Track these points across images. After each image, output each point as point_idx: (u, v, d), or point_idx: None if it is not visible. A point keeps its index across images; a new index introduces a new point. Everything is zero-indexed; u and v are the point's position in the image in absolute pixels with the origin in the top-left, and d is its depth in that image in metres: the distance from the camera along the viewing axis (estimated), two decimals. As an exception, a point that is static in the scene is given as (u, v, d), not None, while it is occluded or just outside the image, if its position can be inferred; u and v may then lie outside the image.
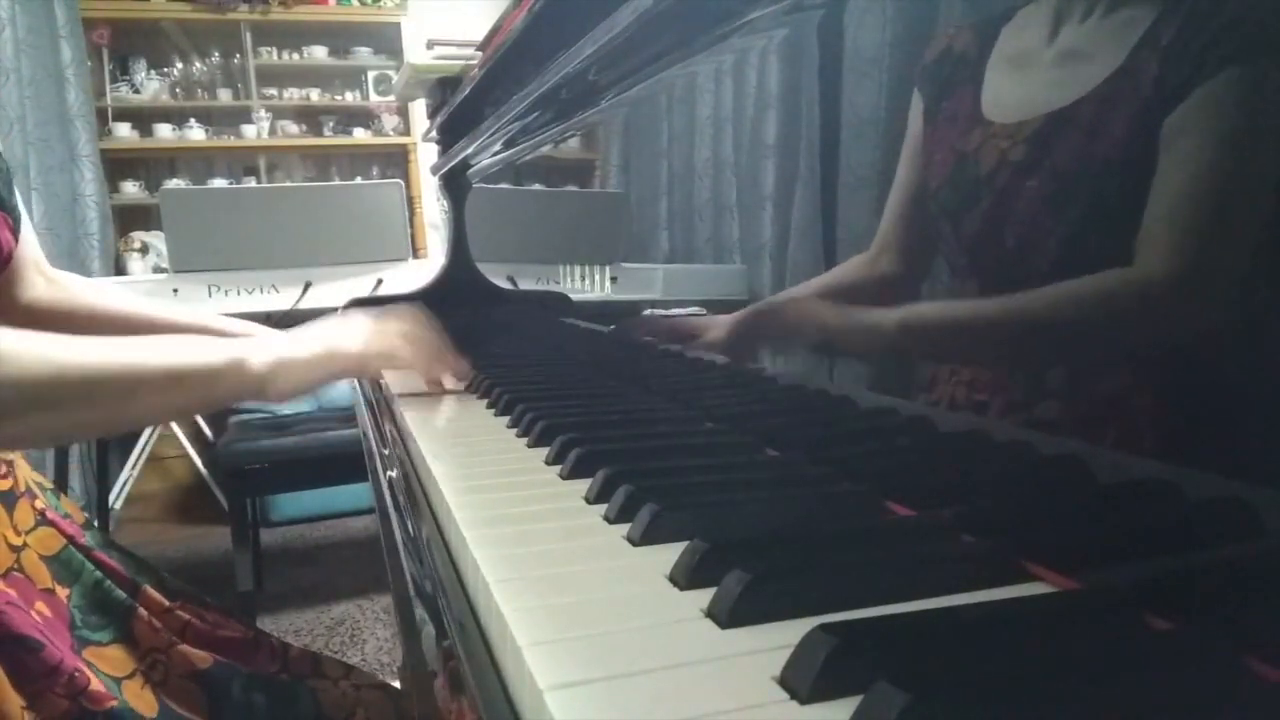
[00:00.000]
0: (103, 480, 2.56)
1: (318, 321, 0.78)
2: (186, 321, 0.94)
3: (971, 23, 0.42)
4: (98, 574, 0.67)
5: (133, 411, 0.64)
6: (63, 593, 0.64)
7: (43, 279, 0.86)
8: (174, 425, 3.10)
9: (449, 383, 0.85)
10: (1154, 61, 0.32)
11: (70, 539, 0.67)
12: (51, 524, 0.66)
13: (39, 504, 0.66)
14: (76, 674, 0.58)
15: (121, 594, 0.67)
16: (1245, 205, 0.30)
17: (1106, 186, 0.35)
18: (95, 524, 0.75)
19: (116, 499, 3.05)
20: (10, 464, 0.65)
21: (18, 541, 0.62)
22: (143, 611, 0.67)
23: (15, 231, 0.67)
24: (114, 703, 0.59)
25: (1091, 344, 0.38)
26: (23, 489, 0.65)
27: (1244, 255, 0.31)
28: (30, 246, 0.82)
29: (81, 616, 0.64)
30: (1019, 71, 0.39)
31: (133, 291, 2.07)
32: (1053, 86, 0.36)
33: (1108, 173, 0.35)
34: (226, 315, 0.99)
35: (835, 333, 0.59)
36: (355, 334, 0.77)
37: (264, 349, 0.71)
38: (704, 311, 0.72)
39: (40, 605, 0.61)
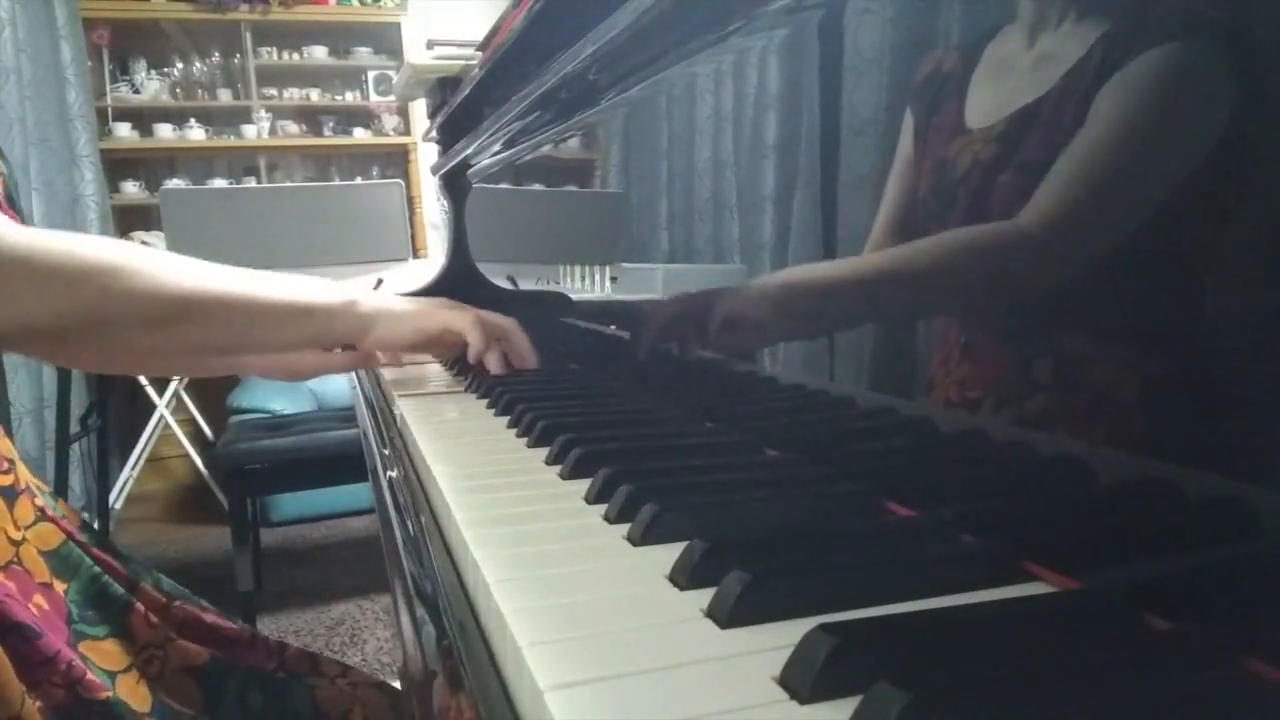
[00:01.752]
0: (103, 480, 2.56)
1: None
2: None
3: (958, 44, 0.42)
4: (95, 569, 0.67)
5: (256, 337, 0.71)
6: (60, 587, 0.64)
7: None
8: (174, 425, 3.10)
9: (493, 364, 0.86)
10: (1098, 52, 0.34)
11: (69, 535, 0.67)
12: (51, 521, 0.66)
13: (39, 501, 0.66)
14: (73, 664, 0.59)
15: (119, 589, 0.67)
16: (1125, 182, 0.33)
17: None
18: (94, 526, 0.75)
19: (116, 499, 3.05)
20: (12, 462, 0.66)
21: (17, 536, 0.62)
22: (140, 607, 0.67)
23: None
24: (108, 694, 0.60)
25: (973, 298, 0.40)
26: (23, 486, 0.65)
27: (1109, 223, 0.33)
28: None
29: (79, 611, 0.65)
30: (1000, 80, 0.39)
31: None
32: (1027, 88, 0.37)
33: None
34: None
35: (735, 308, 0.63)
36: (438, 301, 0.85)
37: (372, 295, 0.78)
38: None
39: (38, 598, 0.61)
